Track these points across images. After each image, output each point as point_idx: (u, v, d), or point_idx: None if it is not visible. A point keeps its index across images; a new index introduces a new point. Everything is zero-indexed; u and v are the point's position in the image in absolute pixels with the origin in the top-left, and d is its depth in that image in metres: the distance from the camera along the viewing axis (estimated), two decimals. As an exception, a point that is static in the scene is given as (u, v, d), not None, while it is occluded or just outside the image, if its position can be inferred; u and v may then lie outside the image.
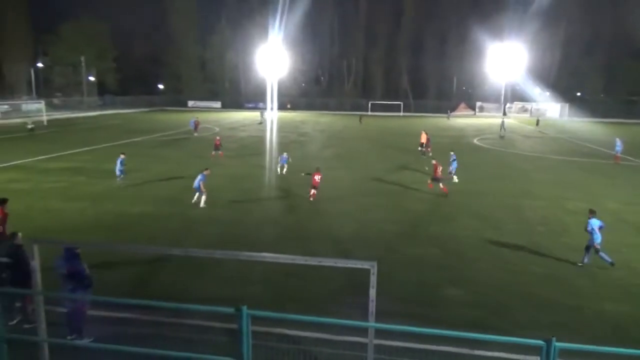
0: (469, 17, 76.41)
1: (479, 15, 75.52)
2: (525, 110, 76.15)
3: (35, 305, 7.36)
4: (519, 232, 15.07)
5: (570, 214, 17.12)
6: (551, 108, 74.64)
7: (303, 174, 20.45)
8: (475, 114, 77.20)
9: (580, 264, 12.09)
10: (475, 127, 53.47)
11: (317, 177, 18.44)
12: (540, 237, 14.57)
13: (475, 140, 40.90)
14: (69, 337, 8.02)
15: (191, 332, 8.30)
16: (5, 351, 6.18)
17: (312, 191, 18.48)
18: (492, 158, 31.54)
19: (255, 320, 5.35)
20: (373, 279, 5.79)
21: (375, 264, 5.75)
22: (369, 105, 78.38)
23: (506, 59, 71.74)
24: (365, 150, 33.80)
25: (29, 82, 71.67)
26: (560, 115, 72.64)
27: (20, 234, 8.88)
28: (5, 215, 11.93)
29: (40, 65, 75.09)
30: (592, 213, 12.11)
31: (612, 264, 11.87)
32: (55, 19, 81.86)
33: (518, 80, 77.39)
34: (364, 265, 5.79)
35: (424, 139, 31.61)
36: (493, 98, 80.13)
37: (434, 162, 20.81)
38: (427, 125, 56.88)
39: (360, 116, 61.78)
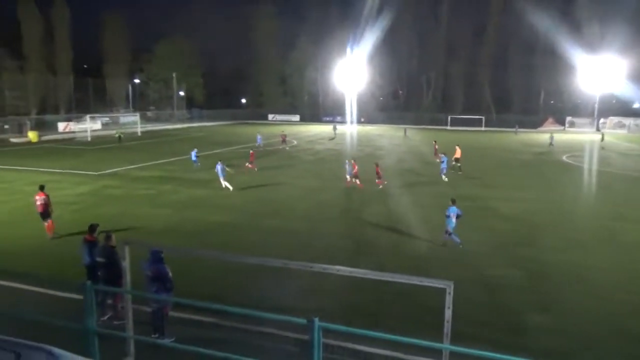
0: (559, 27, 72.27)
1: (569, 24, 71.21)
2: (622, 125, 70.35)
3: (124, 303, 7.92)
4: (611, 257, 13.85)
5: (674, 240, 15.48)
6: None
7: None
8: (564, 129, 72.52)
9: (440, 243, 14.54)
10: (565, 143, 50.19)
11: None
12: (636, 264, 13.30)
13: (564, 158, 38.39)
14: (152, 336, 8.51)
15: (264, 339, 8.48)
16: (96, 344, 6.69)
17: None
18: (583, 177, 29.42)
19: (327, 333, 5.36)
20: (449, 299, 5.59)
21: (451, 284, 5.56)
22: (449, 119, 76.38)
23: (600, 70, 66.89)
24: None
25: (127, 97, 77.90)
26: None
27: (114, 236, 9.61)
28: (47, 197, 15.05)
29: (137, 81, 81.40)
30: (453, 202, 14.56)
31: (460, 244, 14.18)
32: (151, 39, 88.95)
33: (614, 92, 71.82)
34: (440, 284, 5.62)
35: (458, 154, 30.56)
36: (585, 112, 74.91)
37: (352, 161, 24.23)
38: (503, 140, 54.41)
39: (405, 130, 61.23)
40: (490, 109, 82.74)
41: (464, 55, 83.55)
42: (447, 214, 14.31)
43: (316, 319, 5.31)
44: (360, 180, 23.49)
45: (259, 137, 43.81)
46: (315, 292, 11.00)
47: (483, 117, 75.90)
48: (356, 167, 23.76)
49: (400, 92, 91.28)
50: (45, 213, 14.95)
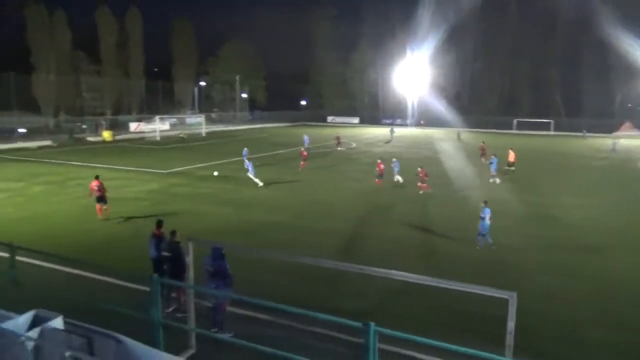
0: (638, 24, 67.39)
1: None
2: None
3: (187, 297, 8.24)
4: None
5: None
6: None
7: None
8: (643, 134, 67.51)
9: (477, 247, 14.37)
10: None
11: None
12: None
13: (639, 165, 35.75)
14: (212, 330, 8.79)
15: (319, 340, 8.51)
16: (161, 334, 7.00)
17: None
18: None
19: (383, 338, 5.30)
20: (512, 310, 5.36)
21: (514, 294, 5.33)
22: (514, 122, 73.25)
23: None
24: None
25: (193, 99, 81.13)
26: None
27: (178, 232, 10.03)
28: (101, 184, 17.58)
29: (202, 83, 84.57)
30: (485, 203, 14.59)
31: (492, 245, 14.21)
32: (216, 42, 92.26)
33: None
34: (502, 294, 5.40)
35: (512, 157, 29.46)
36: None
37: (378, 160, 25.33)
38: (570, 145, 51.54)
39: (459, 132, 58.83)
40: (559, 112, 78.60)
41: (532, 55, 79.89)
42: (481, 215, 14.32)
43: (372, 324, 5.27)
44: (381, 180, 24.58)
45: (306, 138, 43.54)
46: (367, 295, 10.91)
47: (552, 121, 72.17)
48: (382, 167, 24.77)
49: (463, 94, 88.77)
50: (102, 197, 17.51)
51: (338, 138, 44.13)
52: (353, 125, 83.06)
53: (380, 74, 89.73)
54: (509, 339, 5.42)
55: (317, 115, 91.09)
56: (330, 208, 19.87)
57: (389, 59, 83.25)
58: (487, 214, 14.20)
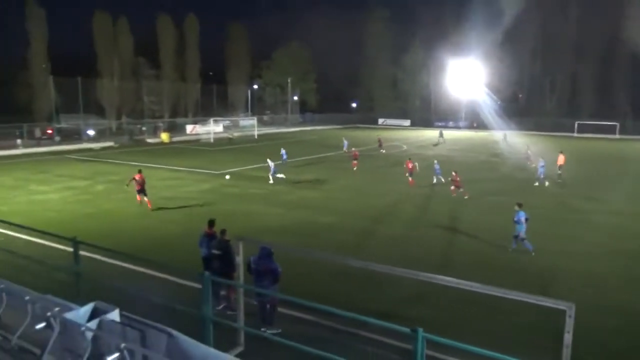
0: None
1: None
2: None
3: (237, 295, 8.42)
4: None
5: None
6: None
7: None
8: None
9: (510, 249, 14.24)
10: None
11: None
12: None
13: None
14: (262, 329, 8.92)
15: (366, 344, 8.45)
16: (211, 331, 7.19)
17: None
18: None
19: (432, 345, 5.19)
20: (569, 322, 5.09)
21: (573, 305, 5.06)
22: (575, 125, 69.73)
23: None
24: (568, 173, 30.18)
25: (246, 101, 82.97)
26: None
27: (227, 231, 10.28)
28: (142, 178, 19.73)
29: (255, 86, 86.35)
30: (520, 206, 14.25)
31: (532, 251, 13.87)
32: (269, 46, 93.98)
33: None
34: (560, 305, 5.14)
35: (561, 161, 28.42)
36: None
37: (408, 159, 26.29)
38: (637, 149, 48.48)
39: (505, 134, 56.47)
40: (626, 114, 74.10)
41: (596, 55, 75.80)
42: (515, 219, 14.04)
43: (420, 329, 5.17)
44: (412, 178, 25.19)
45: (345, 142, 43.03)
46: (420, 301, 10.72)
47: (617, 124, 68.17)
48: (410, 165, 25.62)
49: (520, 95, 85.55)
50: (141, 190, 19.71)
51: (380, 140, 44.04)
52: (404, 128, 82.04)
53: (432, 75, 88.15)
54: (566, 353, 5.15)
55: (367, 118, 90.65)
56: (383, 211, 19.71)
57: (442, 60, 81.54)
58: (522, 216, 13.88)
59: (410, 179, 25.11)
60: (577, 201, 22.13)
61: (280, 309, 9.59)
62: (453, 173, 23.15)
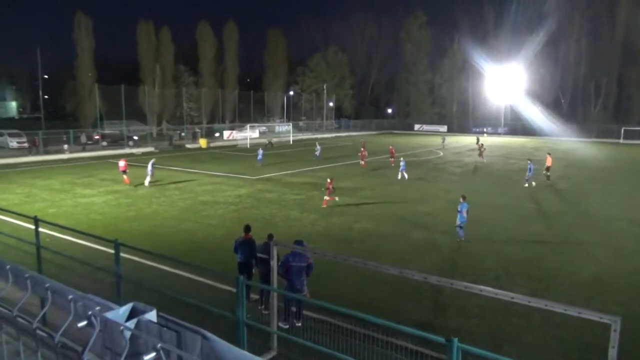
0: None
1: None
2: None
3: (272, 299, 8.48)
4: None
5: None
6: None
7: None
8: None
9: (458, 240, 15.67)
10: None
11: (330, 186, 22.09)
12: None
13: None
14: (296, 324, 9.31)
15: (401, 353, 8.33)
16: (244, 334, 7.27)
17: (325, 198, 21.75)
18: None
19: (467, 356, 5.06)
20: (614, 337, 4.86)
21: (618, 319, 4.83)
22: (622, 131, 66.79)
23: None
24: (613, 182, 28.96)
25: (282, 107, 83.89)
26: None
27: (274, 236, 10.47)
28: (126, 164, 26.49)
29: (291, 93, 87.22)
30: (464, 198, 16.11)
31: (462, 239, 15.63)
32: (305, 52, 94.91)
33: None
34: (604, 318, 4.92)
35: (549, 162, 28.83)
36: None
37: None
38: None
39: (443, 137, 56.36)
40: (678, 120, 70.55)
41: (644, 57, 72.53)
42: (458, 209, 15.85)
43: (455, 339, 5.05)
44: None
45: (318, 147, 41.83)
46: (458, 311, 10.50)
47: (667, 130, 64.94)
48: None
49: (563, 100, 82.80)
50: (124, 171, 26.19)
51: (392, 151, 39.19)
52: (441, 134, 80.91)
53: (471, 81, 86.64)
54: (612, 369, 4.92)
55: (404, 124, 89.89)
56: (421, 218, 19.46)
57: (481, 65, 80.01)
58: (463, 208, 15.71)
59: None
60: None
61: (313, 315, 9.60)
62: (328, 180, 22.20)
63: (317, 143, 43.48)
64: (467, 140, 63.99)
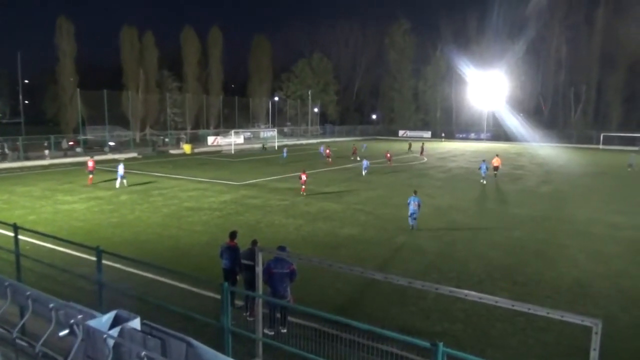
0: None
1: None
2: None
3: (256, 306, 8.43)
4: None
5: None
6: None
7: None
8: None
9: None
10: None
11: (303, 177, 25.59)
12: None
13: None
14: (281, 330, 9.24)
15: (387, 358, 8.33)
16: (229, 341, 7.21)
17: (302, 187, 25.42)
18: None
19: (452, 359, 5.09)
20: (595, 340, 4.94)
21: (599, 322, 4.91)
22: (601, 137, 68.21)
23: None
24: (593, 187, 29.53)
25: (267, 113, 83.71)
26: None
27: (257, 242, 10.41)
28: (94, 163, 29.18)
29: (276, 98, 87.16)
30: (415, 193, 18.72)
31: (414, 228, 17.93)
32: (290, 58, 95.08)
33: None
34: (585, 321, 5.00)
35: (497, 162, 32.93)
36: None
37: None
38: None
39: (410, 143, 60.24)
40: (655, 126, 72.26)
41: (622, 64, 74.27)
42: (408, 202, 18.17)
43: (440, 344, 5.08)
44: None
45: (284, 150, 46.89)
46: (442, 315, 10.56)
47: (644, 135, 66.47)
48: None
49: (544, 107, 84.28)
50: (91, 172, 28.83)
51: (389, 156, 41.58)
52: (425, 140, 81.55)
53: (454, 87, 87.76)
54: (593, 371, 4.99)
55: (388, 130, 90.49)
56: (404, 222, 19.53)
57: (464, 71, 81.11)
58: (413, 201, 17.93)
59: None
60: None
61: (299, 321, 9.56)
62: (302, 173, 25.92)
63: (284, 148, 49.65)
64: (452, 146, 64.68)
